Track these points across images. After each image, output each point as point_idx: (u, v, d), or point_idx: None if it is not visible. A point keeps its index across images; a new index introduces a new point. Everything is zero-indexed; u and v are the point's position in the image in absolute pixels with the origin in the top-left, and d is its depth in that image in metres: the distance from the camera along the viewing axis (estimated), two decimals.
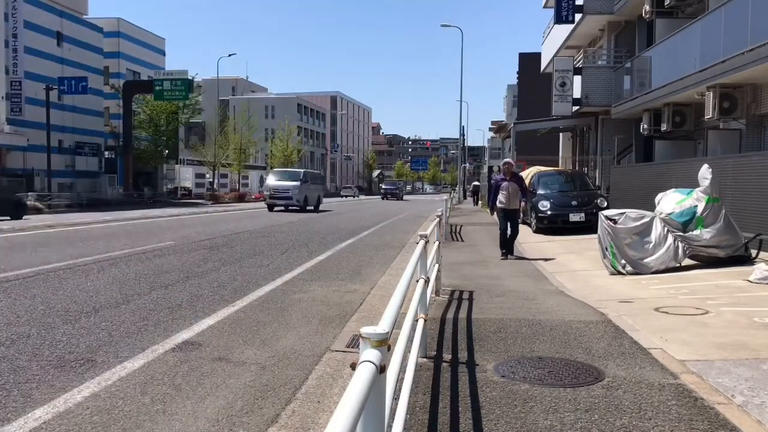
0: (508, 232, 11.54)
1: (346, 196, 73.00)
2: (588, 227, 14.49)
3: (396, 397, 2.92)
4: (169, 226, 19.54)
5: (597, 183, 21.73)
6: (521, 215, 12.59)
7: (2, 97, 35.44)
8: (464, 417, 3.62)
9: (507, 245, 11.56)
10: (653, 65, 17.59)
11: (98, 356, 4.99)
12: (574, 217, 15.74)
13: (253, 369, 4.77)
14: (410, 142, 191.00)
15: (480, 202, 42.67)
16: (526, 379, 4.30)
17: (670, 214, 9.53)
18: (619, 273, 9.26)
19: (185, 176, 56.56)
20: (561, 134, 31.73)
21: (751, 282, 7.90)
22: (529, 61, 43.75)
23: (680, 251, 9.32)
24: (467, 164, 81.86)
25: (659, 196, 10.20)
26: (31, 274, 9.14)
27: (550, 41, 28.78)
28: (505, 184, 11.49)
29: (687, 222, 9.39)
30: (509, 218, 11.49)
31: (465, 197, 55.30)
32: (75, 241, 14.23)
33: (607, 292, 7.90)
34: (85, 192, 37.91)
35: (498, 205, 11.58)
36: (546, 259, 11.43)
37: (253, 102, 77.15)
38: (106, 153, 45.59)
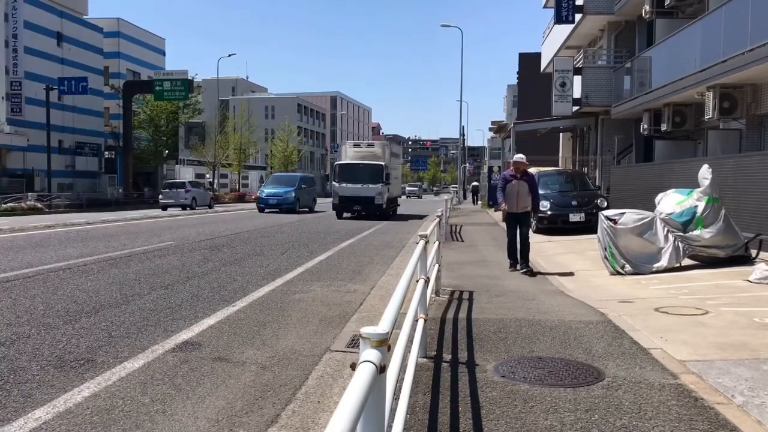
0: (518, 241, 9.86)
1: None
2: (588, 227, 14.48)
3: (396, 397, 2.92)
4: (169, 226, 19.54)
5: (597, 183, 21.71)
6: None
7: (2, 98, 35.42)
8: (464, 417, 3.62)
9: (522, 256, 9.80)
10: (653, 65, 17.58)
11: (98, 356, 4.99)
12: (574, 217, 15.74)
13: (254, 369, 4.77)
14: (410, 142, 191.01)
15: (480, 202, 42.71)
16: (526, 379, 4.30)
17: (670, 214, 9.53)
18: (619, 273, 9.26)
19: (185, 176, 56.34)
20: (561, 134, 31.72)
21: (751, 282, 7.91)
22: (529, 61, 43.68)
23: (680, 251, 9.32)
24: (467, 164, 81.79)
25: (659, 196, 10.20)
26: (32, 274, 9.14)
27: (550, 41, 28.77)
28: (513, 182, 9.85)
29: (687, 222, 9.39)
30: (519, 223, 9.85)
31: (465, 197, 55.35)
32: (75, 241, 14.23)
33: (607, 292, 7.90)
34: (85, 192, 37.86)
35: (504, 207, 9.92)
36: (563, 274, 9.66)
37: (252, 102, 77.09)
38: (106, 153, 45.53)
